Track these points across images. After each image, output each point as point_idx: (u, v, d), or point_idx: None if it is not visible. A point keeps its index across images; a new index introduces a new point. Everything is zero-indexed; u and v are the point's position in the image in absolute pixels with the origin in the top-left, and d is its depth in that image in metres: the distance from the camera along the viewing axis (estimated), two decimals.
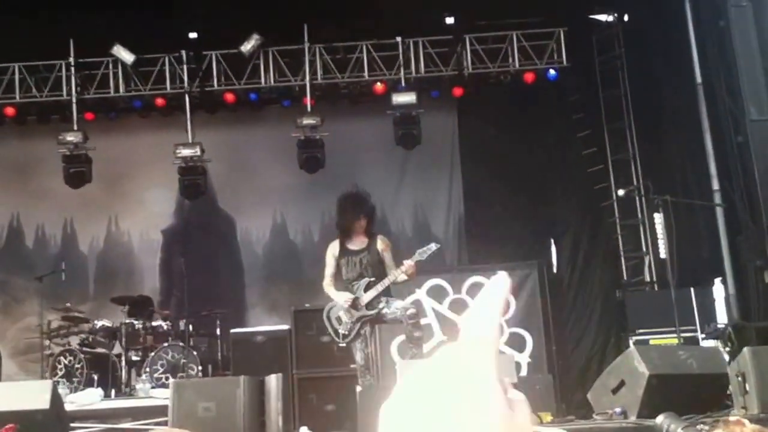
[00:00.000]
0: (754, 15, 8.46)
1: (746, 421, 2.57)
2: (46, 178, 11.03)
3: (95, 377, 8.62)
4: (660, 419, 4.40)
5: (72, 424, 6.26)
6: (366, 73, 10.55)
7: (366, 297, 6.64)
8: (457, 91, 10.76)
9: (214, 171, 10.83)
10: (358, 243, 6.79)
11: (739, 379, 5.32)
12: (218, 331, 9.43)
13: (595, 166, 10.89)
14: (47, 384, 5.76)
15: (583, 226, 10.87)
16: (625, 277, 10.73)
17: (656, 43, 10.28)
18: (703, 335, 8.15)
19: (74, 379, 8.66)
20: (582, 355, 10.28)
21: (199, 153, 10.35)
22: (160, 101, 10.75)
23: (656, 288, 10.30)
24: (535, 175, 10.76)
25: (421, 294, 9.15)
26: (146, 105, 10.90)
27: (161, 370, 8.73)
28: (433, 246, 6.67)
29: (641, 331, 8.73)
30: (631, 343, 8.43)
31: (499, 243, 10.52)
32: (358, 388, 6.45)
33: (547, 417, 6.05)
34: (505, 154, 10.76)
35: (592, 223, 10.91)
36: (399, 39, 10.50)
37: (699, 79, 9.33)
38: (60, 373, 8.74)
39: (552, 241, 10.50)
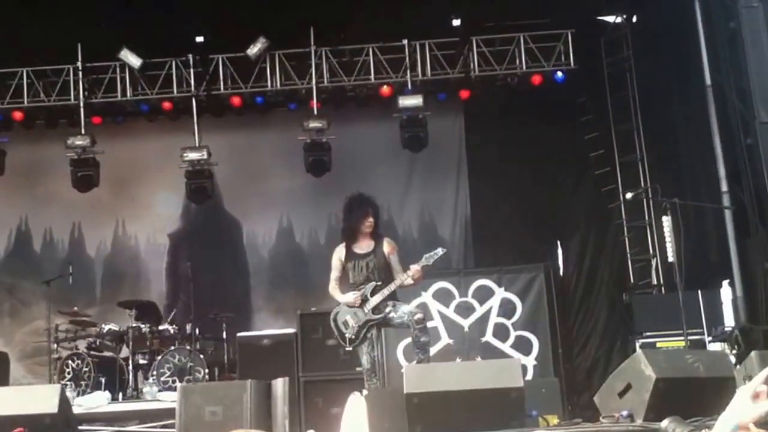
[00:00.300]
0: (766, 16, 8.39)
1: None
2: (54, 182, 11.08)
3: (102, 380, 8.67)
4: (665, 423, 4.37)
5: (80, 427, 6.29)
6: (372, 76, 10.54)
7: (373, 301, 6.63)
8: (464, 94, 10.75)
9: (221, 174, 10.85)
10: (364, 246, 6.79)
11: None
12: (224, 335, 9.46)
13: (602, 169, 10.86)
14: (55, 388, 5.77)
15: (590, 228, 10.85)
16: (631, 280, 10.69)
17: (665, 44, 10.22)
18: (710, 338, 8.11)
19: (82, 383, 8.71)
20: (588, 357, 10.26)
21: (205, 156, 10.37)
22: (167, 105, 10.78)
23: (663, 291, 10.25)
24: (542, 178, 10.74)
25: (427, 297, 9.14)
26: (153, 109, 10.93)
27: (168, 373, 8.76)
28: (440, 251, 6.66)
29: (648, 334, 8.69)
30: (637, 346, 8.39)
31: (506, 246, 10.51)
32: (365, 392, 6.44)
33: (554, 420, 6.05)
34: (511, 156, 10.75)
35: (599, 225, 10.89)
36: (405, 41, 10.49)
37: (708, 81, 9.27)
38: (68, 377, 8.79)
39: (559, 243, 10.48)
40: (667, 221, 8.17)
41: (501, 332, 9.18)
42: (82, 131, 10.50)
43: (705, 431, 3.87)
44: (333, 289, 6.79)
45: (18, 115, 10.75)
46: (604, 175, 10.87)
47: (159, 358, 8.88)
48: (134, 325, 9.23)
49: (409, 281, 6.65)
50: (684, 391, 5.32)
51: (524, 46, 10.45)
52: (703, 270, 9.01)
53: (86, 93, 10.62)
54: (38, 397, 5.53)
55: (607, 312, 10.44)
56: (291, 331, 8.37)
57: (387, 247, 6.81)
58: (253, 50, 10.33)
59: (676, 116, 10.25)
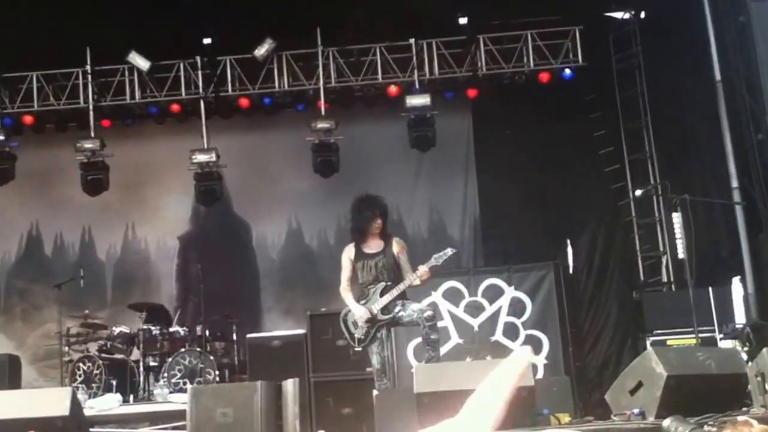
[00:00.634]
0: None
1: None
2: (64, 186, 11.12)
3: (114, 383, 8.70)
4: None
5: (91, 430, 6.31)
6: (380, 76, 10.54)
7: (382, 301, 6.62)
8: (472, 92, 10.74)
9: (229, 176, 10.87)
10: (373, 246, 6.78)
11: (759, 379, 5.26)
12: (234, 336, 9.47)
13: (611, 166, 10.82)
14: (67, 390, 5.79)
15: (599, 226, 10.81)
16: (642, 278, 10.64)
17: (674, 40, 10.16)
18: (721, 336, 8.06)
19: (93, 385, 8.75)
20: (599, 356, 10.23)
21: (214, 159, 10.39)
22: (175, 107, 10.82)
23: (674, 288, 10.20)
24: (550, 176, 10.70)
25: (437, 296, 9.13)
26: (162, 111, 10.96)
27: (179, 375, 8.78)
28: (449, 251, 6.65)
29: (658, 331, 8.65)
30: (648, 344, 8.35)
31: (515, 244, 10.49)
32: (375, 392, 6.44)
33: (565, 418, 6.02)
34: (520, 154, 10.72)
35: (608, 223, 10.85)
36: (412, 40, 10.49)
37: (718, 76, 9.20)
38: (79, 379, 8.83)
39: (568, 241, 10.42)
40: (677, 218, 8.12)
41: (511, 331, 9.15)
42: (92, 134, 10.54)
43: (707, 428, 3.85)
44: (344, 290, 6.78)
45: (28, 120, 10.82)
46: (613, 172, 10.83)
47: (170, 360, 8.91)
48: (145, 327, 9.26)
49: (417, 281, 6.65)
50: (695, 388, 5.31)
51: (532, 43, 10.43)
52: (713, 267, 8.97)
53: (95, 96, 10.67)
54: (50, 400, 5.56)
55: (617, 310, 10.40)
56: (301, 332, 8.37)
57: (396, 246, 6.80)
58: (261, 51, 10.35)
59: (686, 112, 10.20)
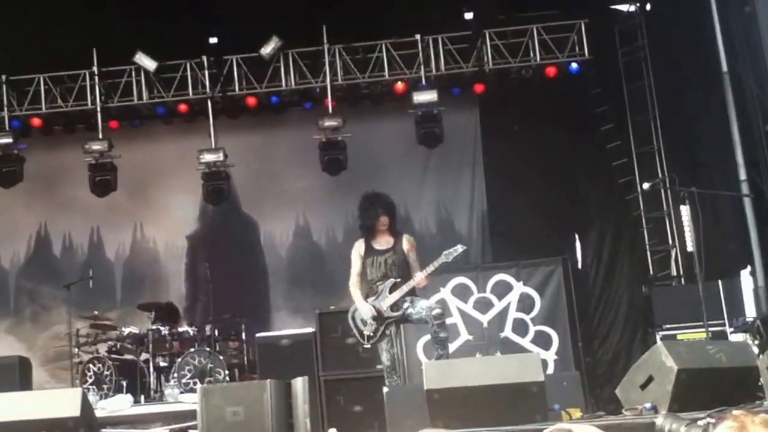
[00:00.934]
0: None
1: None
2: (72, 187, 11.15)
3: (124, 383, 8.74)
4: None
5: (102, 430, 6.32)
6: (386, 73, 10.54)
7: (391, 298, 6.62)
8: (479, 88, 10.71)
9: (237, 175, 10.89)
10: (383, 243, 6.77)
11: None
12: (244, 336, 9.49)
13: (619, 160, 10.79)
14: (77, 391, 5.80)
15: (608, 220, 10.78)
16: (651, 272, 10.61)
17: (680, 32, 10.12)
18: (732, 329, 8.03)
19: (104, 386, 8.78)
20: (609, 350, 10.20)
21: (222, 158, 10.41)
22: (183, 107, 10.83)
23: (683, 282, 10.16)
24: (558, 170, 10.68)
25: (445, 293, 9.12)
26: (169, 111, 10.98)
27: (189, 375, 8.80)
28: (459, 248, 6.62)
29: (668, 326, 8.63)
30: (658, 338, 8.32)
31: (523, 239, 10.46)
32: (385, 389, 6.43)
33: (577, 413, 6.01)
34: (527, 149, 10.69)
35: (617, 217, 10.82)
36: (418, 36, 10.47)
37: (725, 68, 9.17)
38: (89, 380, 8.86)
39: (576, 236, 10.41)
40: (685, 211, 8.10)
41: (520, 327, 9.14)
42: (100, 136, 10.57)
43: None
44: (353, 285, 6.77)
45: (36, 122, 10.85)
46: (621, 166, 10.80)
47: (179, 360, 8.93)
48: (154, 328, 9.28)
49: (423, 283, 6.64)
50: (707, 382, 5.28)
51: (537, 37, 10.40)
52: (722, 260, 8.92)
53: (103, 97, 10.69)
54: (61, 401, 5.56)
55: (626, 304, 10.36)
56: (310, 330, 8.36)
57: (406, 244, 6.79)
58: (267, 50, 10.35)
59: (693, 104, 10.16)
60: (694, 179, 8.60)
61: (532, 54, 10.45)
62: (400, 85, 10.52)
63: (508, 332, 9.15)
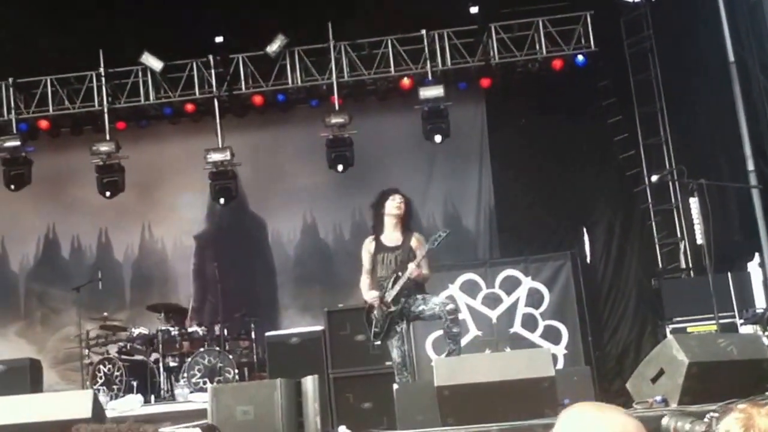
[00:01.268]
0: None
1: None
2: (80, 188, 11.18)
3: (134, 384, 8.76)
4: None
5: None
6: (392, 68, 10.52)
7: (393, 291, 6.57)
8: (485, 82, 10.68)
9: (244, 174, 10.90)
10: (393, 239, 6.72)
11: None
12: (253, 335, 9.50)
13: (626, 153, 10.73)
14: (88, 393, 5.82)
15: (616, 213, 10.73)
16: (660, 265, 10.55)
17: (686, 21, 10.05)
18: (742, 321, 7.99)
19: (114, 387, 8.81)
20: (619, 345, 10.16)
21: (229, 157, 10.42)
22: (189, 107, 10.84)
23: (692, 274, 10.11)
24: (565, 164, 10.64)
25: (454, 289, 9.10)
26: (176, 111, 11.00)
27: (198, 374, 8.82)
28: (443, 233, 6.57)
29: (678, 319, 8.58)
30: (668, 331, 8.29)
31: (531, 234, 10.43)
32: (395, 386, 6.41)
33: None
34: (534, 143, 10.66)
35: (625, 210, 10.77)
36: (424, 32, 10.45)
37: (732, 58, 9.11)
38: (100, 381, 8.89)
39: (585, 230, 10.37)
40: (694, 203, 8.05)
41: (529, 322, 9.12)
42: (107, 137, 10.58)
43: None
44: (362, 283, 6.74)
45: (44, 124, 10.88)
46: (628, 158, 10.73)
47: (189, 360, 8.95)
48: (163, 328, 9.30)
49: (414, 274, 6.57)
50: (718, 375, 5.26)
51: (543, 30, 10.37)
52: (731, 251, 8.87)
53: (110, 98, 10.71)
54: (72, 403, 5.58)
55: (636, 298, 10.32)
56: (319, 328, 8.35)
57: (415, 242, 6.73)
58: (273, 48, 10.35)
59: (700, 95, 10.09)
60: (702, 170, 8.53)
61: (538, 47, 10.42)
62: (406, 81, 10.51)
63: (517, 327, 9.13)
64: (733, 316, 8.10)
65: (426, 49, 10.46)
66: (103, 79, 10.65)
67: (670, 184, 10.39)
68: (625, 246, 10.61)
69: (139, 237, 11.38)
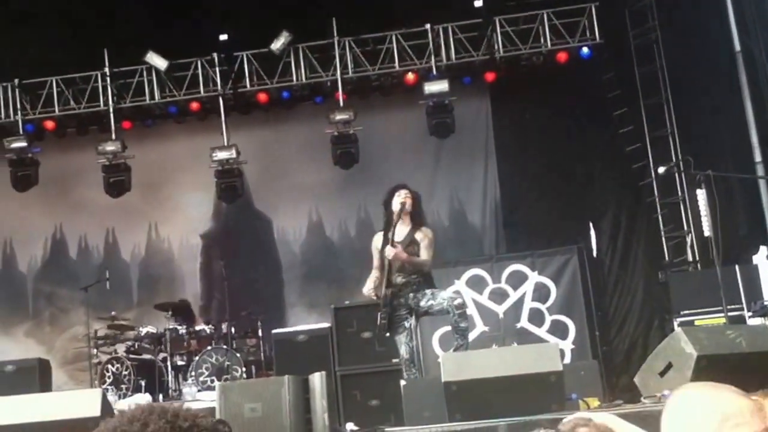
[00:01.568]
0: None
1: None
2: (86, 189, 11.20)
3: (143, 383, 8.79)
4: None
5: None
6: (397, 64, 10.50)
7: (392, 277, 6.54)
8: (490, 76, 10.65)
9: (250, 172, 10.89)
10: (401, 233, 6.68)
11: None
12: (260, 332, 9.50)
13: (632, 145, 10.67)
14: (96, 392, 5.83)
15: (622, 207, 10.69)
16: (667, 258, 10.49)
17: (691, 12, 9.99)
18: (750, 313, 7.94)
19: (122, 386, 8.84)
20: (626, 339, 10.13)
21: (234, 155, 10.42)
22: (194, 105, 10.85)
23: (699, 267, 10.04)
24: (571, 158, 10.61)
25: (460, 285, 9.09)
26: (181, 110, 11.01)
27: (206, 373, 8.84)
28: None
29: (686, 312, 8.53)
30: (675, 324, 8.24)
31: (537, 229, 10.40)
32: (402, 382, 6.40)
33: (595, 402, 5.96)
34: (539, 137, 10.63)
35: (631, 203, 10.72)
36: (428, 26, 10.42)
37: (738, 47, 9.06)
38: (108, 381, 8.92)
39: (591, 224, 10.32)
40: (701, 195, 8.00)
41: (536, 317, 9.09)
42: (113, 137, 10.60)
43: None
44: (370, 277, 6.72)
45: (50, 125, 10.91)
46: (634, 151, 10.68)
47: (197, 358, 8.97)
48: (171, 327, 9.32)
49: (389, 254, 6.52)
50: (727, 368, 5.23)
51: (548, 23, 10.32)
52: (738, 243, 8.82)
53: (115, 98, 10.72)
54: (80, 402, 5.59)
55: (643, 292, 10.28)
56: (326, 325, 8.34)
57: (420, 234, 6.71)
58: (277, 45, 10.34)
59: (707, 85, 10.03)
60: (709, 162, 8.47)
61: (542, 40, 10.37)
62: (410, 76, 10.48)
63: (524, 322, 9.11)
64: (741, 309, 8.06)
65: (430, 43, 10.43)
66: (108, 78, 10.66)
67: (677, 176, 10.33)
68: (631, 239, 10.57)
69: (146, 236, 11.40)
